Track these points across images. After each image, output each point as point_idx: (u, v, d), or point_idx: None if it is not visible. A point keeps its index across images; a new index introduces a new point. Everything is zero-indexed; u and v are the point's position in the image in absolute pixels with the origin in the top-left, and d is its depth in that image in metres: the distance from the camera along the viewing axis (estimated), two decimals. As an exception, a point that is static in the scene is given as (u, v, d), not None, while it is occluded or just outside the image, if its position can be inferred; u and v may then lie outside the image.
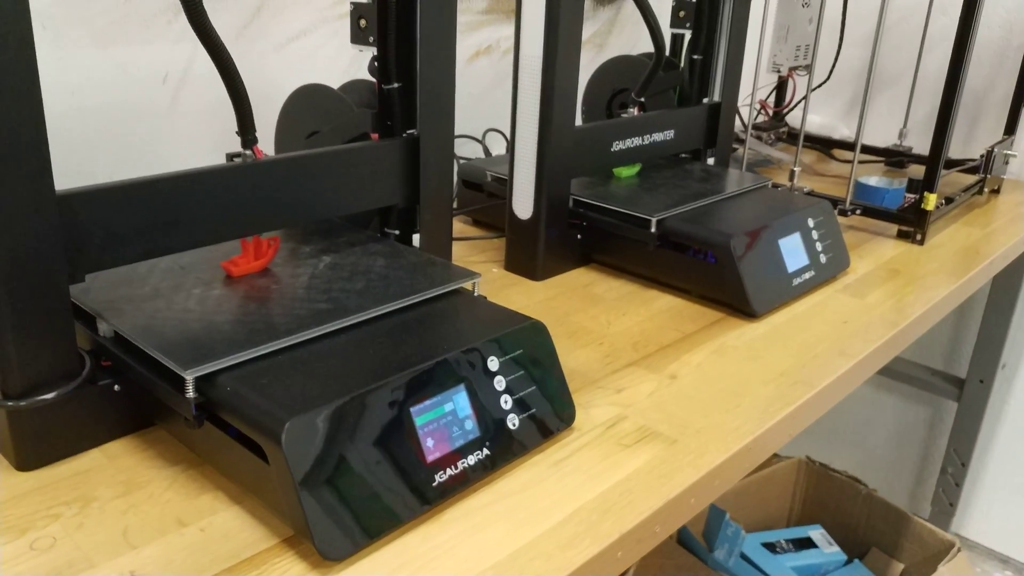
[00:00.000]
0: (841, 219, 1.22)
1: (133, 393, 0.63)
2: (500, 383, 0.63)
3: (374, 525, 0.54)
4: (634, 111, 1.09)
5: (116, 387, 0.62)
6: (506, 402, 0.63)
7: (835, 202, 1.22)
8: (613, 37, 1.57)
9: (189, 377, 0.56)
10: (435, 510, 0.58)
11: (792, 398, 0.75)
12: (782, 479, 1.44)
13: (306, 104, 0.90)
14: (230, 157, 0.71)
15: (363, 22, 0.79)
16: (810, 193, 1.23)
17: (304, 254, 0.77)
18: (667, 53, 1.25)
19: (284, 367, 0.58)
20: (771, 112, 1.64)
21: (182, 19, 0.98)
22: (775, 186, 1.22)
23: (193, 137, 1.02)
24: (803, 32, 1.53)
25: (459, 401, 0.61)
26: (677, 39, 1.26)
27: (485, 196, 1.12)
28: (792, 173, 1.24)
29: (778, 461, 1.43)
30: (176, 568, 0.52)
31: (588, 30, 1.52)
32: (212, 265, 0.72)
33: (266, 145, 0.78)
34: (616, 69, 1.23)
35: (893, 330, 0.90)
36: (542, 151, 0.94)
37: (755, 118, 1.66)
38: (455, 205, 1.21)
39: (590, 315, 0.91)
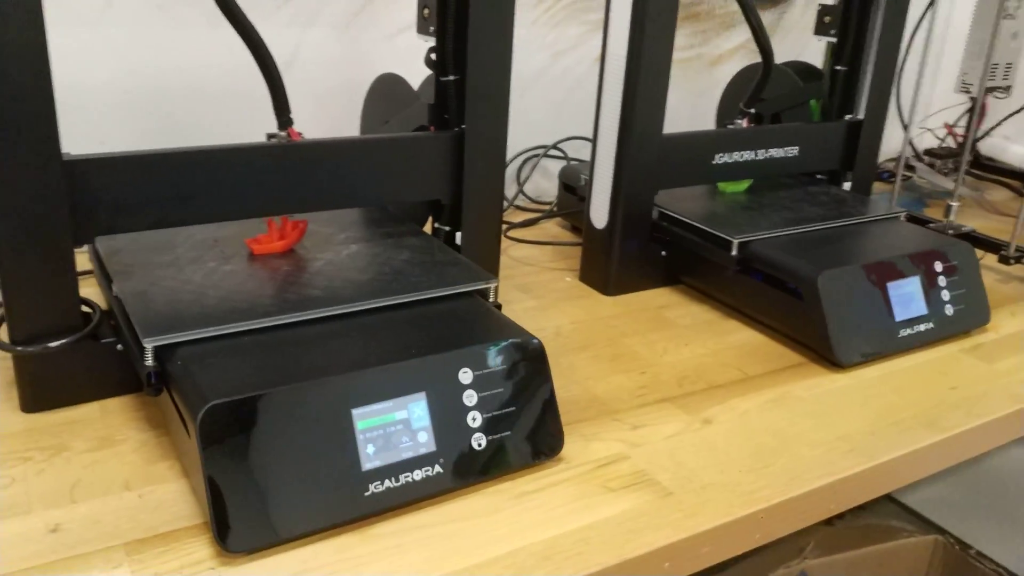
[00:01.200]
0: (1003, 267, 1.03)
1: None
2: (471, 398, 0.59)
3: (285, 525, 0.52)
4: (742, 123, 0.98)
5: (119, 346, 0.65)
6: (474, 419, 0.58)
7: (1000, 247, 1.03)
8: (774, 42, 1.43)
9: (148, 346, 0.56)
10: (365, 521, 0.54)
11: (838, 468, 0.64)
12: (911, 558, 1.25)
13: (383, 93, 0.90)
14: (269, 137, 0.71)
15: (426, 11, 0.77)
16: (968, 233, 1.05)
17: (336, 240, 0.76)
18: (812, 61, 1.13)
19: (242, 349, 0.57)
20: (960, 138, 1.43)
21: (293, 3, 1.02)
22: (919, 220, 1.06)
23: (297, 117, 1.05)
24: (1004, 48, 1.32)
25: (415, 410, 0.57)
26: (831, 47, 1.13)
27: (577, 200, 1.06)
28: (948, 208, 1.07)
29: (908, 536, 1.24)
30: (98, 528, 0.53)
31: (744, 34, 1.40)
32: (242, 241, 0.74)
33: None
34: (754, 77, 1.12)
35: (1016, 405, 0.74)
36: (620, 158, 0.87)
37: (941, 143, 1.46)
38: (554, 208, 1.16)
39: (648, 340, 0.83)
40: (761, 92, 0.98)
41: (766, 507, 0.59)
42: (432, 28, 0.76)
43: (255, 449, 0.51)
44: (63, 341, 0.62)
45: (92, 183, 0.61)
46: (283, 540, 0.52)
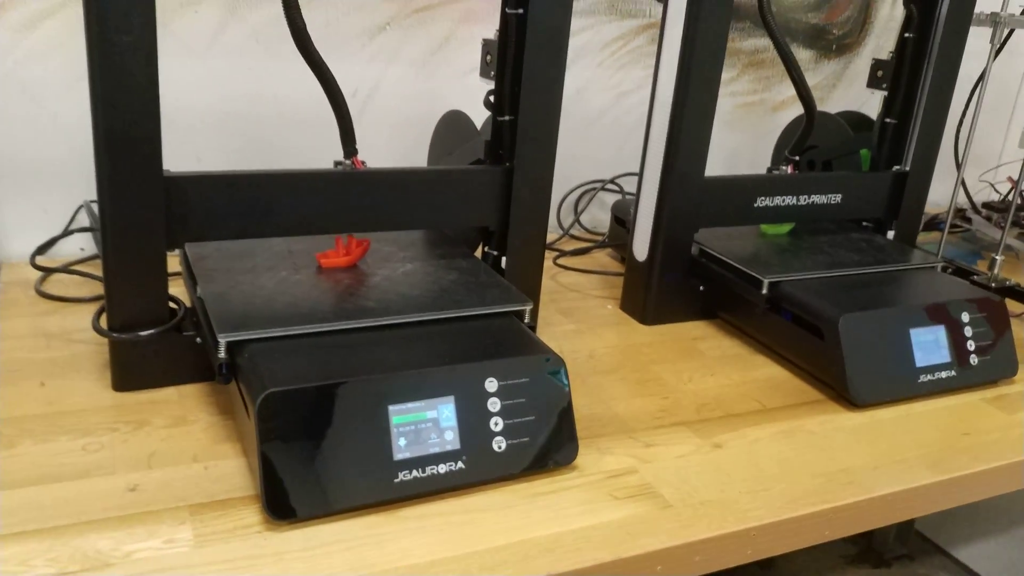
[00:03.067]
0: (1043, 323, 1.05)
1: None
2: (494, 404, 0.66)
3: (324, 501, 0.60)
4: (787, 169, 1.03)
5: (198, 339, 0.75)
6: (496, 424, 0.66)
7: (1041, 302, 1.05)
8: (838, 92, 1.48)
9: (222, 340, 0.66)
10: (393, 505, 0.62)
11: (834, 497, 0.68)
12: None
13: (449, 127, 0.99)
14: (336, 164, 0.81)
15: (488, 58, 0.86)
16: (1011, 287, 1.07)
17: (395, 258, 0.85)
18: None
19: (301, 348, 0.66)
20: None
21: (376, 42, 1.12)
22: (964, 272, 1.08)
23: (374, 144, 1.14)
24: (1068, 105, 1.33)
25: (444, 411, 0.64)
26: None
27: (626, 232, 1.13)
28: (993, 261, 1.09)
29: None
30: (168, 491, 0.62)
31: (808, 82, 1.44)
32: (312, 255, 0.83)
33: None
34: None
35: (1024, 455, 0.77)
36: (662, 198, 0.94)
37: (1003, 197, 1.47)
38: (605, 239, 1.23)
39: (675, 368, 0.89)
40: (805, 142, 1.03)
41: (758, 525, 0.64)
42: (492, 73, 0.84)
43: (303, 433, 0.60)
44: (151, 331, 0.72)
45: (187, 197, 0.71)
46: (321, 514, 0.60)
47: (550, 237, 1.26)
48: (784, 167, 1.03)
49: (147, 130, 0.67)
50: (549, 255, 1.18)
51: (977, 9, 1.05)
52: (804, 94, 0.98)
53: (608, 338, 0.94)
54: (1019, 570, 1.58)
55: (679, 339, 0.96)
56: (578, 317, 0.99)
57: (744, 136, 1.44)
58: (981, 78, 1.08)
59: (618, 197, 1.31)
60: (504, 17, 0.81)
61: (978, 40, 1.07)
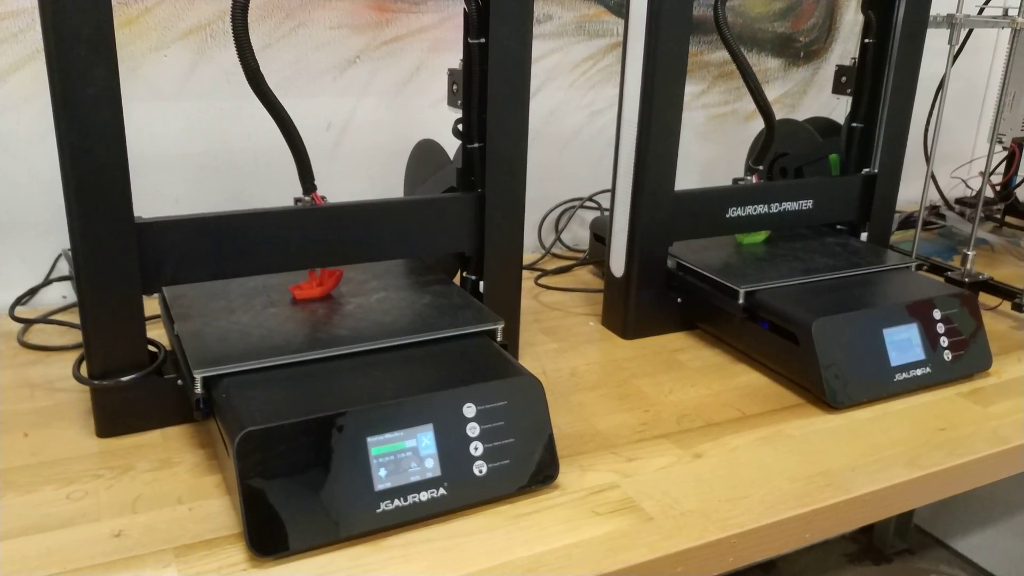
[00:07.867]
0: (1018, 314, 1.06)
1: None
2: (473, 430, 0.67)
3: (308, 535, 0.60)
4: (752, 179, 1.05)
5: (179, 381, 0.76)
6: (476, 449, 0.66)
7: (1015, 295, 1.06)
8: (808, 98, 1.50)
9: (198, 376, 0.67)
10: (376, 535, 0.63)
11: (813, 500, 0.69)
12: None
13: (422, 157, 1.00)
14: (296, 201, 0.81)
15: (455, 87, 0.87)
16: (983, 281, 1.08)
17: (370, 287, 0.86)
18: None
19: (277, 380, 0.67)
20: (997, 187, 1.45)
21: (348, 75, 1.14)
22: (939, 268, 1.10)
23: (350, 175, 1.16)
24: (1033, 99, 1.34)
25: (423, 439, 0.65)
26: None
27: (604, 249, 1.14)
28: (965, 257, 1.10)
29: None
30: (154, 534, 0.62)
31: (778, 90, 1.47)
32: (287, 288, 0.84)
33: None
34: (778, 133, 1.18)
35: (999, 446, 0.78)
36: (635, 213, 0.95)
37: (979, 192, 1.48)
38: (586, 256, 1.24)
39: (656, 381, 0.90)
40: (768, 152, 1.04)
41: (739, 532, 0.65)
42: (459, 102, 0.86)
43: (283, 469, 0.60)
44: (132, 376, 0.73)
45: (159, 242, 0.72)
46: (305, 548, 0.60)
47: (532, 257, 1.27)
48: (749, 177, 1.05)
49: (116, 179, 0.68)
50: (531, 275, 1.19)
51: (934, 11, 1.07)
52: (762, 104, 0.99)
53: (590, 355, 0.95)
54: (1016, 557, 1.58)
55: (659, 352, 0.97)
56: (560, 335, 1.00)
57: (719, 147, 1.46)
58: (942, 83, 1.10)
59: (596, 214, 1.32)
60: (467, 47, 0.82)
61: (942, 40, 1.09)
